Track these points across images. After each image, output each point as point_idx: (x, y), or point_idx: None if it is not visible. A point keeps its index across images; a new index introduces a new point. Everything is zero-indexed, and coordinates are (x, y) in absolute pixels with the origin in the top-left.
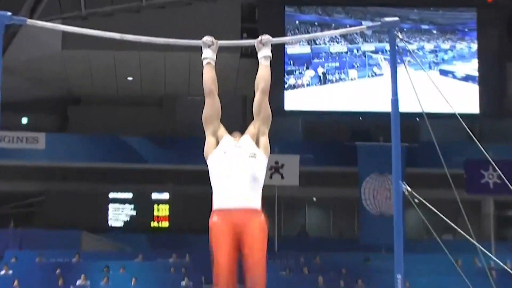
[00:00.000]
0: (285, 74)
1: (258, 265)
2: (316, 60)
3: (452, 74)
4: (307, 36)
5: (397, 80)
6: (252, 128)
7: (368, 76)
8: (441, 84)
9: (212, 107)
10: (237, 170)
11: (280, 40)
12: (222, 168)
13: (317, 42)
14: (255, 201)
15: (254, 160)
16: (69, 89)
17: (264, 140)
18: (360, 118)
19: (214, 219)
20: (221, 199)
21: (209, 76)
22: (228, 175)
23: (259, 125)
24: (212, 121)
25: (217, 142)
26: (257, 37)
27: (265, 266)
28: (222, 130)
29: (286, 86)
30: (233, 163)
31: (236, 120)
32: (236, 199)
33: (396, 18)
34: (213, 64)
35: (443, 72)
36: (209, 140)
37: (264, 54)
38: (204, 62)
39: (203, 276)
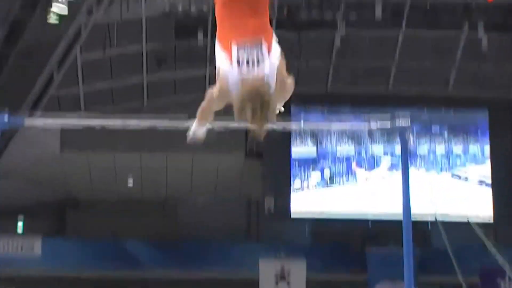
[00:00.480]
0: (291, 178)
1: None
2: (322, 162)
3: (465, 178)
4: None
5: (409, 183)
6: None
7: (378, 178)
8: (453, 188)
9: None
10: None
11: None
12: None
13: (323, 143)
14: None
15: None
16: (68, 192)
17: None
18: (370, 222)
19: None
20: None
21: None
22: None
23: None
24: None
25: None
26: (262, 139)
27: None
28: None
29: (292, 189)
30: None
31: (240, 223)
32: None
33: (408, 119)
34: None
35: (456, 176)
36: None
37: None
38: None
39: None
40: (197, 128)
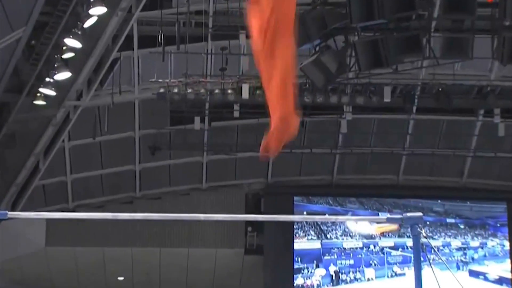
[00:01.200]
0: (293, 273)
1: None
2: (327, 257)
3: (484, 276)
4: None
5: (422, 282)
6: None
7: (388, 276)
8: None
9: None
10: None
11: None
12: None
13: (328, 236)
14: None
15: None
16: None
17: None
18: None
19: None
20: None
21: None
22: None
23: None
24: None
25: None
26: (262, 230)
27: None
28: None
29: (294, 286)
30: None
31: None
32: None
33: (420, 214)
34: None
35: (473, 274)
36: None
37: None
38: None
39: None
40: None
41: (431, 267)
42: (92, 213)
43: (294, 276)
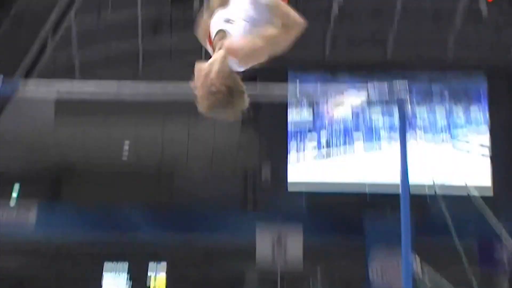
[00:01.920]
0: (288, 146)
1: None
2: (319, 131)
3: (466, 148)
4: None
5: (407, 151)
6: None
7: (376, 149)
8: (453, 157)
9: None
10: None
11: None
12: None
13: (320, 109)
14: None
15: None
16: (63, 160)
17: None
18: (367, 192)
19: None
20: None
21: None
22: None
23: None
24: None
25: None
26: (259, 105)
27: None
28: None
29: (289, 159)
30: None
31: (237, 194)
32: None
33: (405, 82)
34: None
35: (457, 146)
36: None
37: None
38: None
39: None
40: None
41: (416, 133)
42: (98, 85)
43: (288, 148)
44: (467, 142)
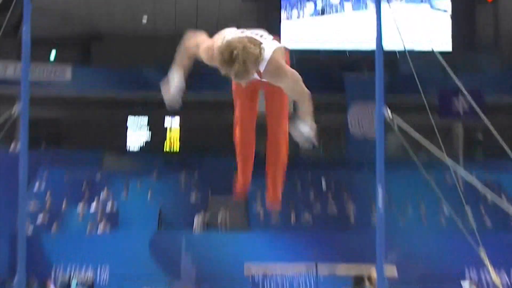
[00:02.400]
0: (281, 13)
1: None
2: None
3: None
4: None
5: (381, 16)
6: (277, 80)
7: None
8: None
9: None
10: None
11: None
12: None
13: None
14: None
15: None
16: (92, 27)
17: None
18: (348, 54)
19: None
20: None
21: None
22: None
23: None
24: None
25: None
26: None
27: (286, 127)
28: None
29: (282, 23)
30: None
31: None
32: None
33: None
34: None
35: (434, 6)
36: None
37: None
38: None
39: (210, 189)
40: (175, 80)
41: None
42: None
43: (281, 14)
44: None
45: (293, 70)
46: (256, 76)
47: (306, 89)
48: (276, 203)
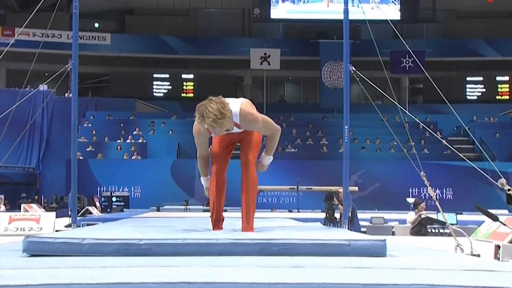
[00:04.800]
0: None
1: (249, 166)
2: None
3: None
4: None
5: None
6: (251, 126)
7: None
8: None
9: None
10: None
11: None
12: None
13: None
14: None
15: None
16: (126, 3)
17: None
18: (321, 24)
19: None
20: None
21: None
22: None
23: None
24: (207, 137)
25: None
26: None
27: (255, 167)
28: (204, 131)
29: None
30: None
31: (238, 26)
32: None
33: None
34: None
35: None
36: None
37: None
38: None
39: None
40: (206, 182)
41: None
42: None
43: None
44: None
45: (263, 115)
46: (235, 129)
47: (277, 126)
48: (250, 230)
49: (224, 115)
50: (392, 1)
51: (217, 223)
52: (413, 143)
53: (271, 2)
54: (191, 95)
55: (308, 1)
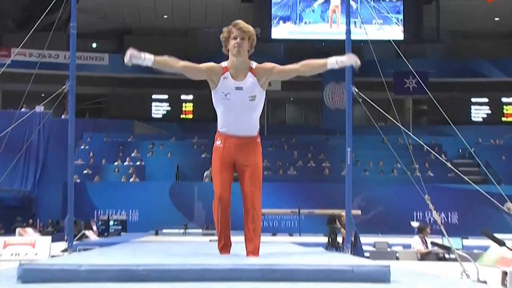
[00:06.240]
0: (272, 16)
1: (255, 199)
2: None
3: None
4: None
5: (350, 17)
6: (268, 68)
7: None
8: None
9: (188, 74)
10: (239, 110)
11: None
12: (224, 107)
13: None
14: (254, 129)
15: (254, 102)
16: (124, 23)
17: (267, 81)
18: (323, 44)
19: (218, 142)
20: (224, 125)
21: (163, 66)
22: (230, 112)
23: (276, 77)
24: (198, 77)
25: (215, 82)
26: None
27: (260, 200)
28: (215, 69)
29: (272, 24)
30: (235, 105)
31: None
32: (238, 129)
33: None
34: (154, 59)
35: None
36: (209, 82)
37: (340, 59)
38: (149, 65)
39: None
40: (144, 58)
41: None
42: None
43: (273, 17)
44: None
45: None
46: (248, 81)
47: (293, 65)
48: (256, 254)
49: (251, 38)
50: (395, 22)
51: (226, 248)
52: (417, 166)
53: (272, 22)
54: (190, 116)
55: (310, 22)
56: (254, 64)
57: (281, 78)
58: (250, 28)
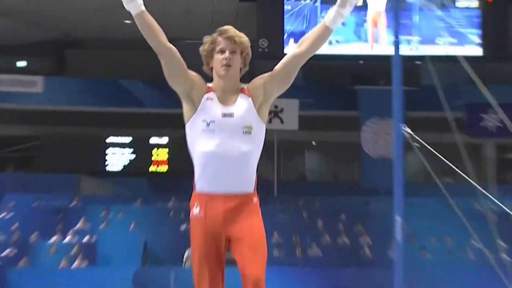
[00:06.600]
0: (284, 19)
1: (259, 278)
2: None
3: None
4: None
5: (399, 23)
6: (262, 81)
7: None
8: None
9: (168, 64)
10: (227, 149)
11: None
12: (205, 145)
13: None
14: (249, 182)
15: (249, 137)
16: (67, 32)
17: (268, 105)
18: (361, 62)
19: (196, 210)
20: (204, 176)
21: (147, 26)
22: (214, 153)
23: (277, 85)
24: (177, 79)
25: (195, 103)
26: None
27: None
28: (201, 82)
29: (285, 31)
30: (221, 140)
31: None
32: (226, 182)
33: None
34: (143, 9)
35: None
36: (184, 104)
37: (343, 12)
38: (133, 13)
39: None
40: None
41: None
42: None
43: (285, 21)
44: None
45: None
46: (239, 101)
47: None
48: None
49: (245, 51)
50: (473, 42)
51: None
52: (504, 245)
53: (284, 34)
54: (164, 168)
55: (340, 42)
56: (245, 85)
57: (287, 81)
58: (244, 37)
